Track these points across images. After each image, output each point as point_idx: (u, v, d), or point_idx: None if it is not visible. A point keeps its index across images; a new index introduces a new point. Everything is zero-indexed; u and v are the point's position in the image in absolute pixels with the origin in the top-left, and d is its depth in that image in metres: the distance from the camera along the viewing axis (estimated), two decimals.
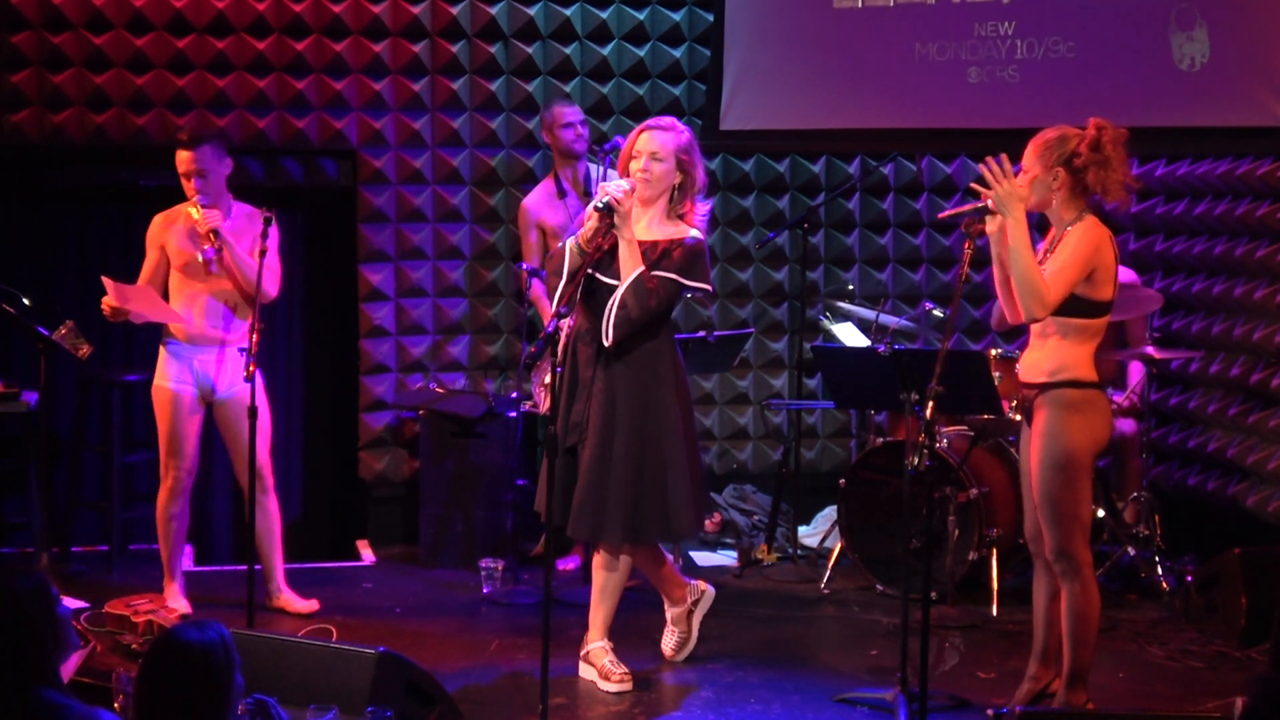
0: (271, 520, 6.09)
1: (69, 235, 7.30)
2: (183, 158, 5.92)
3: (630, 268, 5.06)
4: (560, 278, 5.08)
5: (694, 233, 5.19)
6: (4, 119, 6.95)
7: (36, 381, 6.33)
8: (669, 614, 5.63)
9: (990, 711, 5.01)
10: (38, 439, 6.46)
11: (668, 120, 5.29)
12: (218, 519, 7.43)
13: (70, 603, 5.51)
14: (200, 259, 5.91)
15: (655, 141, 5.17)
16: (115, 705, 3.71)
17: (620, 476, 5.14)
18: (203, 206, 5.86)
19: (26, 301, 6.32)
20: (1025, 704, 4.90)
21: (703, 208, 5.30)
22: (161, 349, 6.05)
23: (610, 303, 5.08)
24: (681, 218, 5.22)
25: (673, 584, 5.60)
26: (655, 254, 5.11)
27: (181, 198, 6.04)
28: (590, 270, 5.08)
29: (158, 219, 6.07)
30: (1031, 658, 5.02)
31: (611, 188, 5.04)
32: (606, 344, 5.10)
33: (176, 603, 5.99)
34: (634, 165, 5.17)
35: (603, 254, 5.09)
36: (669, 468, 5.17)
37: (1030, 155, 4.76)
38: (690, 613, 5.63)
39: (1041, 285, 4.59)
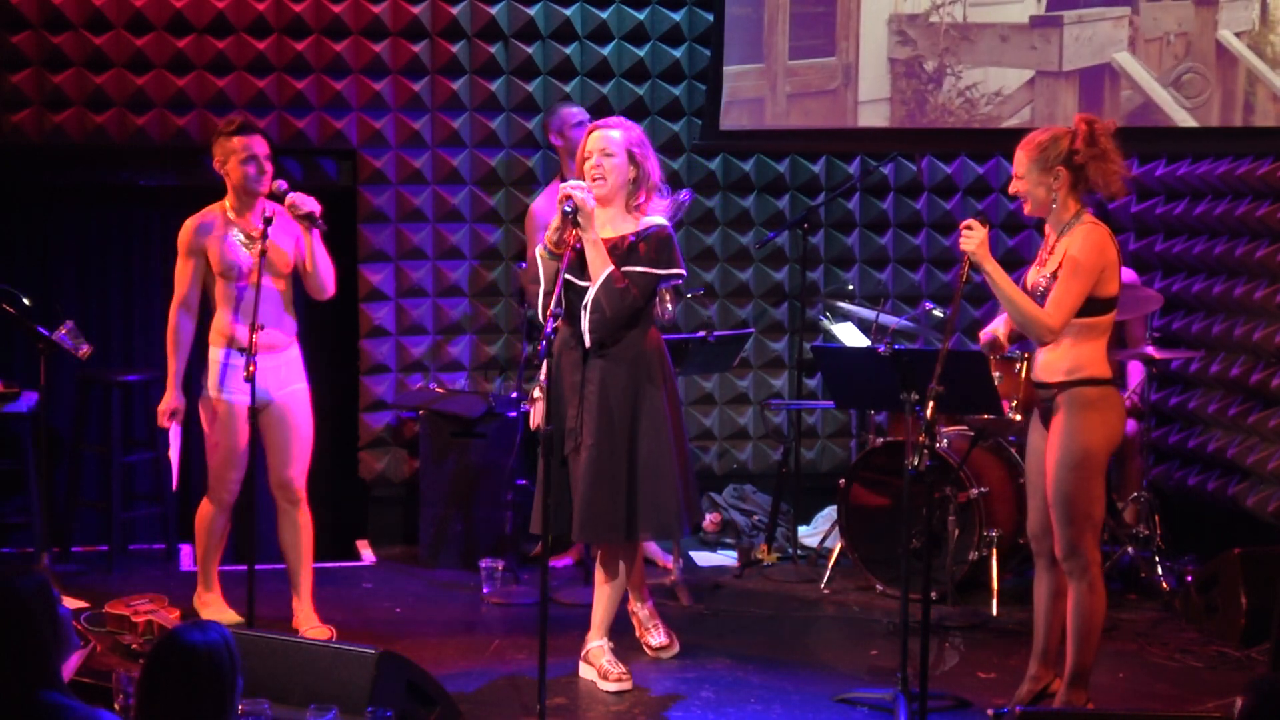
0: (301, 533, 5.83)
1: (69, 235, 7.29)
2: (255, 141, 5.62)
3: (599, 268, 5.11)
4: (538, 285, 5.15)
5: (657, 220, 5.24)
6: (4, 119, 6.95)
7: (36, 381, 6.32)
8: (643, 610, 5.68)
9: (990, 711, 5.01)
10: (38, 439, 6.47)
11: (615, 119, 5.36)
12: None
13: (70, 603, 5.52)
14: (253, 253, 5.59)
15: (605, 139, 5.23)
16: (115, 705, 3.71)
17: (619, 477, 5.17)
18: (284, 190, 5.58)
19: (26, 301, 6.32)
20: (1026, 704, 4.90)
21: (661, 202, 5.31)
22: (212, 357, 5.72)
23: (583, 304, 5.13)
24: (638, 208, 5.26)
25: (642, 584, 5.69)
26: (623, 249, 5.16)
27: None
28: (565, 272, 5.12)
29: (191, 225, 5.72)
30: (1032, 657, 5.02)
31: (576, 193, 5.08)
32: (586, 345, 5.15)
33: (225, 613, 5.85)
34: (587, 166, 5.23)
35: (574, 255, 5.13)
36: (659, 468, 5.20)
37: (1024, 160, 4.73)
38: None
39: (1041, 316, 4.62)
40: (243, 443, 5.66)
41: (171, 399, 5.78)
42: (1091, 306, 4.67)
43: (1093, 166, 4.66)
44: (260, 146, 5.65)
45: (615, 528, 5.19)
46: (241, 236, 5.67)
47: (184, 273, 5.74)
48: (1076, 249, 4.64)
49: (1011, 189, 4.81)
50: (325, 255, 5.71)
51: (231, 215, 5.69)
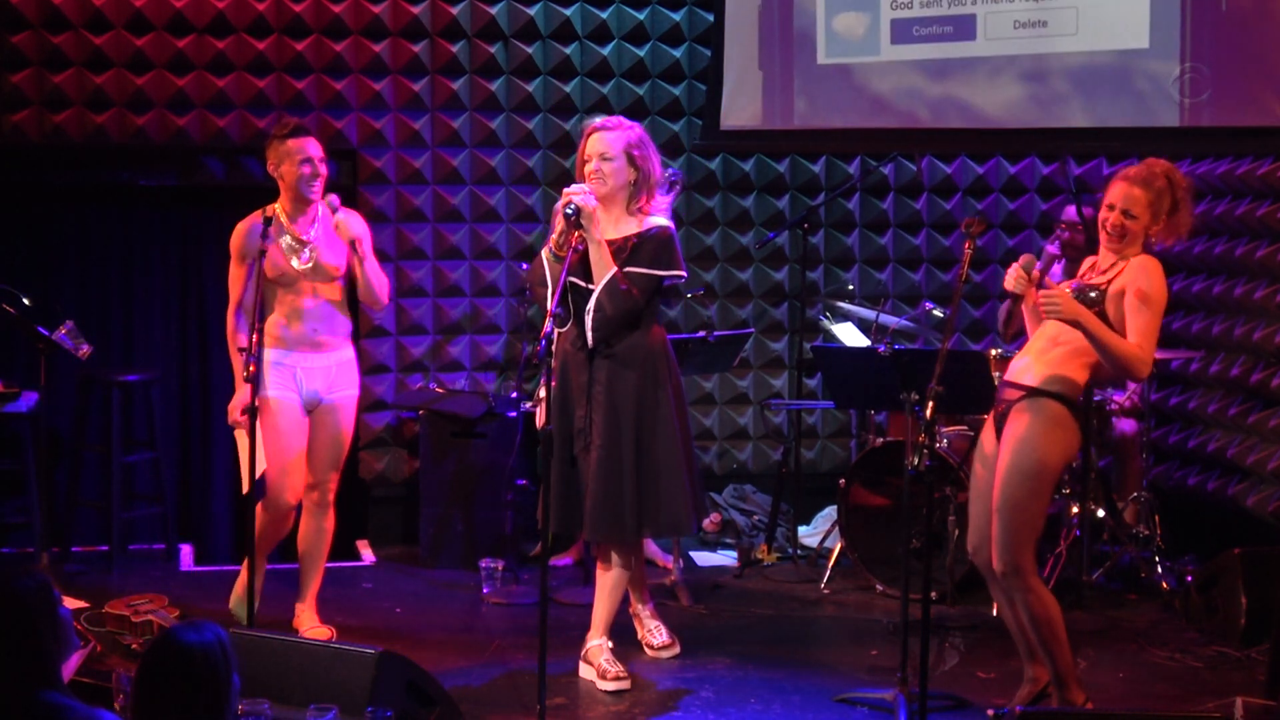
0: (324, 537, 5.78)
1: (69, 235, 7.29)
2: (309, 143, 5.56)
3: (602, 270, 5.14)
4: (545, 287, 5.15)
5: (659, 221, 5.25)
6: (4, 119, 6.95)
7: (36, 381, 6.32)
8: (644, 611, 5.70)
9: (991, 712, 5.01)
10: (38, 439, 6.46)
11: (614, 120, 5.34)
12: (218, 519, 7.43)
13: (70, 603, 5.52)
14: (296, 263, 5.57)
15: (603, 142, 5.23)
16: (115, 705, 3.71)
17: (630, 477, 5.20)
18: (335, 206, 5.54)
19: (26, 301, 6.32)
20: (1026, 704, 4.90)
21: (664, 200, 5.33)
22: (263, 358, 5.55)
23: (587, 307, 5.15)
24: (640, 210, 5.27)
25: (643, 584, 5.70)
26: (626, 251, 5.18)
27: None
28: (569, 277, 5.13)
29: (243, 228, 5.62)
30: (1024, 662, 5.01)
31: (577, 196, 5.09)
32: (590, 345, 5.18)
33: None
34: (587, 169, 5.25)
35: (578, 257, 5.14)
36: (668, 466, 5.23)
37: (1141, 201, 4.70)
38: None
39: (1134, 351, 4.56)
40: (294, 444, 5.61)
41: (239, 396, 5.57)
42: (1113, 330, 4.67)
43: (1179, 217, 4.74)
44: (315, 149, 5.59)
45: (627, 527, 5.22)
46: (292, 241, 5.60)
47: (237, 277, 5.65)
48: (1147, 283, 4.62)
49: (1116, 223, 4.70)
50: (376, 268, 5.64)
51: (283, 219, 5.61)
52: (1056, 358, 4.70)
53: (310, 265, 5.59)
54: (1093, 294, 4.66)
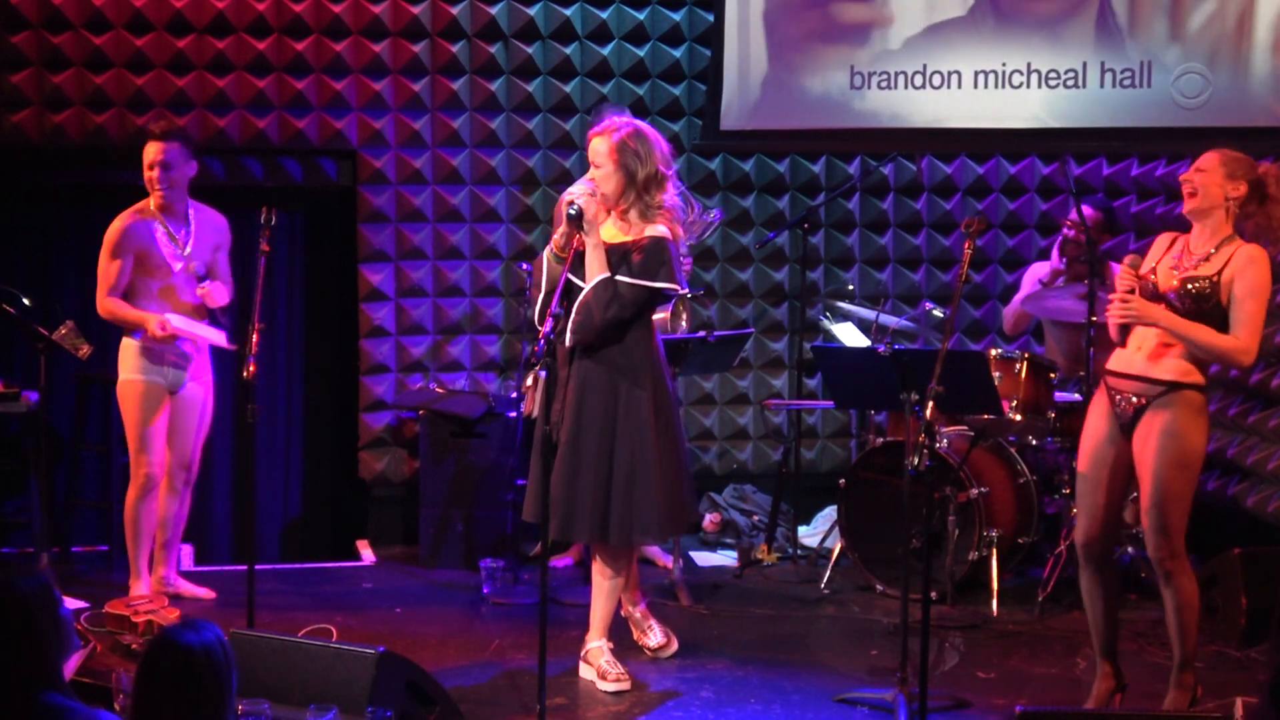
0: (184, 509, 6.15)
1: (69, 235, 7.29)
2: (153, 149, 5.96)
3: (594, 272, 5.10)
4: (539, 290, 5.15)
5: (655, 231, 5.15)
6: (4, 119, 6.95)
7: (36, 381, 6.33)
8: (637, 612, 5.69)
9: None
10: (38, 439, 6.46)
11: (604, 124, 5.28)
12: (218, 519, 7.42)
13: (70, 603, 5.52)
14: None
15: (594, 149, 5.21)
16: (115, 705, 3.70)
17: (588, 474, 5.16)
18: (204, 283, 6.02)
19: (26, 301, 6.33)
20: (1103, 703, 4.95)
21: (673, 197, 5.24)
22: (128, 342, 6.00)
23: (575, 306, 5.13)
24: (644, 215, 5.18)
25: (635, 585, 5.69)
26: (620, 258, 5.12)
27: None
28: (569, 274, 5.12)
29: (122, 225, 6.01)
30: (1100, 658, 5.01)
31: (579, 197, 5.09)
32: (567, 344, 5.15)
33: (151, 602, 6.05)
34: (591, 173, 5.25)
35: (577, 258, 5.12)
36: (639, 472, 5.16)
37: (1213, 160, 4.78)
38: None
39: (1234, 346, 4.64)
40: (158, 426, 5.97)
41: (151, 317, 5.95)
42: (1225, 322, 4.69)
43: (1270, 206, 4.74)
44: (153, 154, 5.97)
45: (581, 527, 5.19)
46: (166, 237, 6.01)
47: (116, 269, 6.00)
48: (1252, 276, 4.66)
49: (1187, 176, 4.82)
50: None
51: (158, 214, 6.02)
52: (1180, 349, 4.72)
53: (183, 262, 5.98)
54: (1202, 284, 4.68)
